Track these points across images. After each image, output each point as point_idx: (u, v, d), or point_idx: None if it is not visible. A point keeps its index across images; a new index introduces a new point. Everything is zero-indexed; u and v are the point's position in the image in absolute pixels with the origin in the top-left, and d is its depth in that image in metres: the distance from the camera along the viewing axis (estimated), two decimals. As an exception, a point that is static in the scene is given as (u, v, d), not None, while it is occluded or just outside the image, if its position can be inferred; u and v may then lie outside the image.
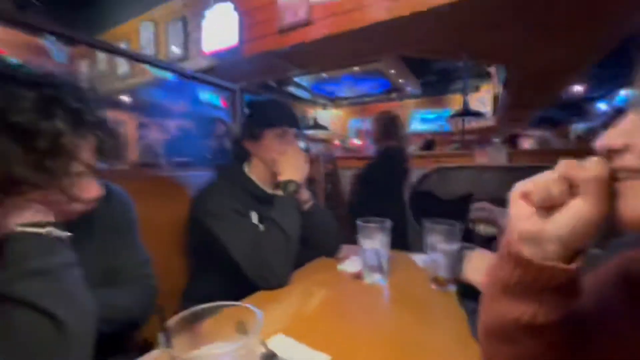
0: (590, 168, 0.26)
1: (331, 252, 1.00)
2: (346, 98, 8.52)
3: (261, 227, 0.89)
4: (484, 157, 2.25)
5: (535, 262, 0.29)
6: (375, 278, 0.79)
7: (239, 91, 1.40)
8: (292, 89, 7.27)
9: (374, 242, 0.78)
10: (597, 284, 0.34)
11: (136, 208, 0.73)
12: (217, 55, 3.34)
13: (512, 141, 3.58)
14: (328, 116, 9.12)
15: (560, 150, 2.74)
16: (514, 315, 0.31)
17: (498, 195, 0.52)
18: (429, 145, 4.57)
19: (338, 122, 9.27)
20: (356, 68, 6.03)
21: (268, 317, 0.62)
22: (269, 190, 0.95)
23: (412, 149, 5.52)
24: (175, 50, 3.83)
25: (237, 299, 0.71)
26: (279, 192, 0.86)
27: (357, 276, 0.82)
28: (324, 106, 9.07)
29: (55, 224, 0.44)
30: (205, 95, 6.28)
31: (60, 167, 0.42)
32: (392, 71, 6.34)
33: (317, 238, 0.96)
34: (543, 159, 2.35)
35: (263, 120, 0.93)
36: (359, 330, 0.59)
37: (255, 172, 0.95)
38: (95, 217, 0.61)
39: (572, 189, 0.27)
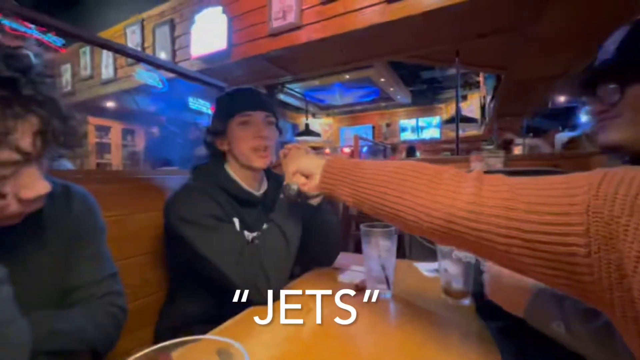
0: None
1: (330, 259, 0.90)
2: (337, 106, 8.53)
3: (247, 234, 0.79)
4: (479, 162, 2.21)
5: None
6: (380, 291, 0.70)
7: (227, 89, 1.32)
8: (282, 97, 7.22)
9: (379, 249, 0.70)
10: None
11: (107, 212, 0.62)
12: (205, 58, 3.25)
13: (505, 147, 3.63)
14: (318, 124, 9.10)
15: (548, 156, 2.76)
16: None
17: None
18: (412, 151, 4.78)
19: (329, 130, 9.27)
20: (347, 76, 6.04)
21: (258, 341, 0.52)
22: (254, 191, 0.85)
23: (400, 157, 5.57)
24: (163, 55, 3.73)
25: (222, 316, 0.60)
26: (282, 195, 0.76)
27: (360, 289, 0.73)
28: (314, 114, 9.06)
29: None
30: (195, 102, 6.16)
31: None
32: (382, 79, 6.37)
33: (319, 241, 0.85)
34: (533, 164, 2.35)
35: (224, 111, 0.84)
36: (365, 353, 0.50)
37: (234, 171, 0.85)
38: (48, 222, 0.50)
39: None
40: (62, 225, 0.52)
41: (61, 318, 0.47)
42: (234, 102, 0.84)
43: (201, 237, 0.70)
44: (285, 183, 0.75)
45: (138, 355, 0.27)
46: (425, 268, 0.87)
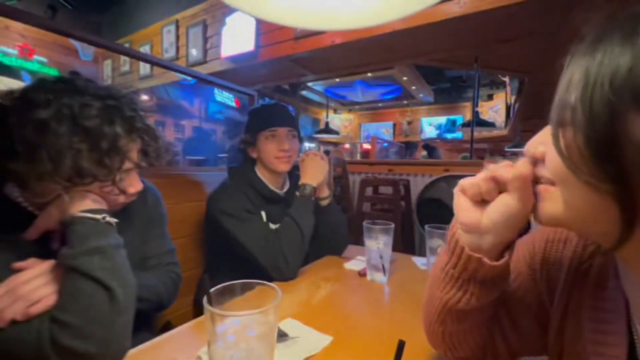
0: (515, 168, 0.30)
1: (338, 250, 1.07)
2: (358, 103, 8.60)
3: (271, 225, 0.97)
4: (492, 167, 2.27)
5: (465, 251, 0.33)
6: (377, 276, 0.85)
7: (257, 95, 1.49)
8: (304, 93, 7.40)
9: (378, 242, 0.85)
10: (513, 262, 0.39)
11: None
12: (233, 58, 3.47)
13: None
14: (339, 120, 9.20)
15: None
16: (444, 300, 0.36)
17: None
18: (431, 150, 4.72)
19: (349, 126, 9.35)
20: (369, 74, 6.10)
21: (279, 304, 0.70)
22: (278, 191, 1.02)
23: (422, 155, 5.58)
24: (194, 53, 3.98)
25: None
26: (297, 193, 0.94)
27: (361, 274, 0.89)
28: (336, 110, 9.17)
29: (107, 212, 0.52)
30: (221, 95, 6.49)
31: (116, 164, 0.51)
32: (405, 78, 6.38)
33: (328, 235, 1.02)
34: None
35: (254, 125, 1.00)
36: (360, 318, 0.66)
37: (261, 173, 1.02)
38: (133, 209, 0.70)
39: (501, 187, 0.32)
40: (140, 211, 0.71)
41: (143, 277, 0.66)
42: (263, 118, 1.00)
43: (236, 226, 0.88)
44: (300, 183, 0.92)
45: (217, 288, 0.44)
46: (420, 262, 1.01)
